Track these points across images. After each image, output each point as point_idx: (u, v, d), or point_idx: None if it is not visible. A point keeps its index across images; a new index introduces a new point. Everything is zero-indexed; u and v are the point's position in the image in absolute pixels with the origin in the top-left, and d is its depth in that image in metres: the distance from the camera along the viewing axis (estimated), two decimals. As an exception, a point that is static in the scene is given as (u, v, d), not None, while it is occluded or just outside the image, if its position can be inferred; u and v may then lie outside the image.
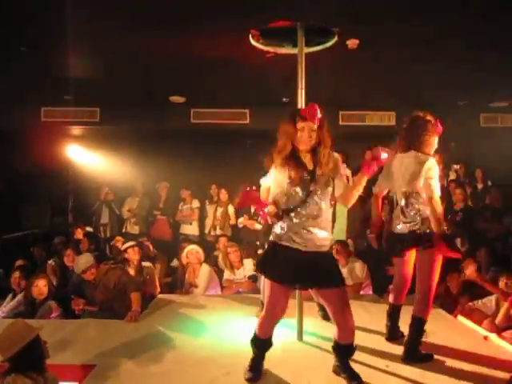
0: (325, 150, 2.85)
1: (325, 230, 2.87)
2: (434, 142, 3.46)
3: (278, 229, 2.89)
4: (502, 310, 4.30)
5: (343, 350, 3.00)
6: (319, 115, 2.84)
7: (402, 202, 3.48)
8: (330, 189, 2.89)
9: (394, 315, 3.77)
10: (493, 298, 4.66)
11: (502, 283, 4.59)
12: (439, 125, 3.46)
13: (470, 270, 4.84)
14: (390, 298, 3.81)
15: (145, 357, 3.52)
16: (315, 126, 2.83)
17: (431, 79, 6.21)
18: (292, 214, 2.83)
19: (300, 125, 2.82)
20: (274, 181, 2.91)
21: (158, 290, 5.49)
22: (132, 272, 5.15)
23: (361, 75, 6.08)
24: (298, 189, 2.82)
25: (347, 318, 2.87)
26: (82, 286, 4.95)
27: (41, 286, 4.72)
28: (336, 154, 2.95)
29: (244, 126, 8.07)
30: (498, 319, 4.29)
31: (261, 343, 3.07)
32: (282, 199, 2.87)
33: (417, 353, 3.37)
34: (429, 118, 3.43)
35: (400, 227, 3.48)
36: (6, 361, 2.56)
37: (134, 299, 4.50)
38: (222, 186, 7.80)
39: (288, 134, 2.83)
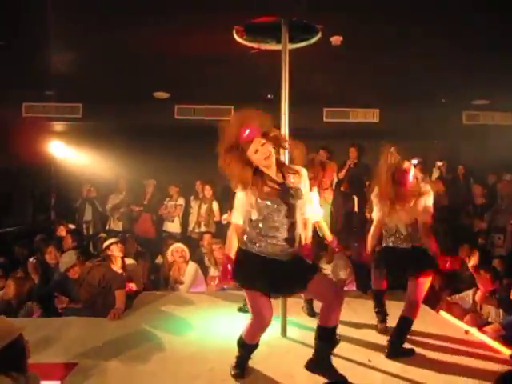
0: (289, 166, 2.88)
1: (294, 240, 2.84)
2: None
3: (246, 236, 2.87)
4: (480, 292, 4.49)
5: (328, 335, 2.89)
6: (256, 130, 2.72)
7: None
8: (300, 200, 2.83)
9: (379, 298, 4.00)
10: (470, 292, 4.75)
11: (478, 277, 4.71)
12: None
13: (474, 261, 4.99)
14: (373, 285, 4.03)
15: (127, 354, 3.50)
16: (262, 140, 2.73)
17: (415, 77, 6.27)
18: (260, 225, 2.80)
19: (253, 148, 2.71)
20: (243, 203, 2.84)
21: (142, 286, 5.45)
22: (116, 269, 5.09)
23: (345, 72, 6.10)
24: (268, 202, 2.77)
25: (337, 295, 2.85)
26: (64, 284, 4.90)
27: (11, 289, 4.64)
28: (302, 169, 2.91)
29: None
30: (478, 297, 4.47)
31: (248, 347, 3.06)
32: (252, 214, 2.83)
33: (400, 349, 3.42)
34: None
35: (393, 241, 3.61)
36: None
37: (117, 297, 4.47)
38: (206, 183, 7.77)
39: (244, 170, 2.73)
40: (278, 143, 2.83)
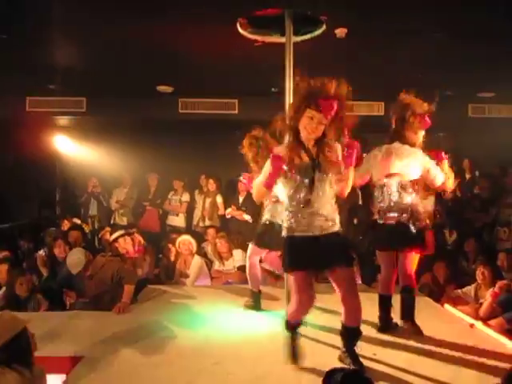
0: (329, 141, 2.87)
1: (330, 215, 2.92)
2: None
3: (286, 223, 2.96)
4: (485, 304, 4.36)
5: (351, 333, 3.05)
6: (333, 112, 2.75)
7: (394, 193, 3.50)
8: (331, 176, 2.90)
9: (384, 306, 3.81)
10: (472, 287, 4.74)
11: (478, 272, 4.67)
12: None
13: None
14: (379, 289, 3.84)
15: (133, 348, 3.51)
16: (325, 120, 2.77)
17: (419, 69, 6.21)
18: (294, 203, 2.88)
19: (311, 113, 2.76)
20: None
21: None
22: (127, 263, 5.07)
23: (349, 65, 6.04)
24: (298, 176, 2.83)
25: (356, 298, 2.95)
26: (71, 279, 4.91)
27: (24, 283, 4.65)
28: (338, 145, 2.93)
29: (233, 116, 8.02)
30: (482, 311, 4.35)
31: (294, 326, 3.14)
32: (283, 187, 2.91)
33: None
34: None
35: (389, 216, 3.51)
36: None
37: (126, 291, 4.47)
38: (210, 177, 7.76)
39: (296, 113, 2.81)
40: (337, 132, 2.84)
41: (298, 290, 2.96)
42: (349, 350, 3.06)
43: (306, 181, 2.83)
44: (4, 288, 4.84)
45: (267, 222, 4.11)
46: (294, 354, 3.12)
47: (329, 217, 2.90)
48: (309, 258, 2.88)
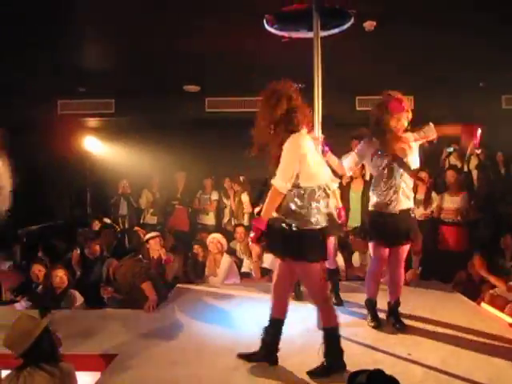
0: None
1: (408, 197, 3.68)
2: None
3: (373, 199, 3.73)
4: None
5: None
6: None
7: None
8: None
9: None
10: (512, 285, 4.57)
11: None
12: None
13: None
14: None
15: (165, 346, 3.54)
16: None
17: (450, 61, 6.04)
18: (382, 185, 3.61)
19: (397, 116, 3.60)
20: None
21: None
22: (151, 263, 5.14)
23: (378, 58, 5.94)
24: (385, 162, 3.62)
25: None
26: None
27: (61, 275, 4.76)
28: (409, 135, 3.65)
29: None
30: None
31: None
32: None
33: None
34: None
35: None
36: (19, 356, 2.57)
37: (145, 289, 4.53)
38: (235, 182, 7.80)
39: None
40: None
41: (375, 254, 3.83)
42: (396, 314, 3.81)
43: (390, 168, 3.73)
44: (41, 287, 4.95)
45: None
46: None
47: (408, 196, 3.79)
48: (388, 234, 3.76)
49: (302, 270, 3.00)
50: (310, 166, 2.90)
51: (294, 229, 2.88)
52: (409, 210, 3.71)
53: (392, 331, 3.69)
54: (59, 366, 2.60)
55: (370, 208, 3.78)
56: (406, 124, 3.61)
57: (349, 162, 3.77)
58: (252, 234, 2.98)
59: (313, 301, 3.18)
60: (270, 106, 2.90)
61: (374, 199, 3.75)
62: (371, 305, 3.88)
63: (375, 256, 3.78)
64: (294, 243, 2.90)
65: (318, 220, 2.91)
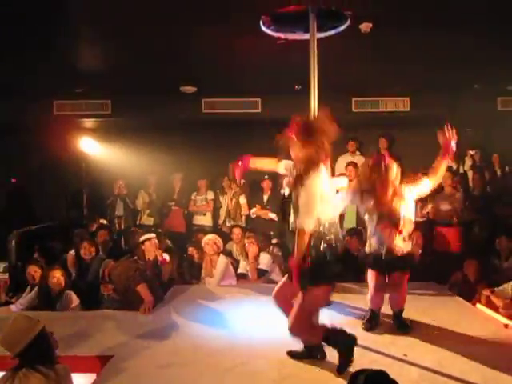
0: None
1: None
2: None
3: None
4: None
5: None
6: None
7: None
8: None
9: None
10: (509, 285, 4.58)
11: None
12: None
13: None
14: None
15: (162, 347, 3.54)
16: None
17: (445, 63, 6.07)
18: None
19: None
20: None
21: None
22: (146, 264, 5.13)
23: (374, 60, 5.95)
24: None
25: None
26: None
27: (58, 276, 4.74)
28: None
29: (255, 115, 8.00)
30: None
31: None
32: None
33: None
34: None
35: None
36: (15, 357, 2.56)
37: (141, 291, 4.53)
38: (234, 181, 7.76)
39: None
40: None
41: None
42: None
43: None
44: (36, 288, 4.93)
45: None
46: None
47: None
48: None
49: None
50: None
51: None
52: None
53: (389, 331, 3.70)
54: (55, 368, 2.59)
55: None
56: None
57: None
58: None
59: None
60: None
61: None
62: (372, 311, 3.88)
63: (371, 284, 3.79)
64: None
65: None
